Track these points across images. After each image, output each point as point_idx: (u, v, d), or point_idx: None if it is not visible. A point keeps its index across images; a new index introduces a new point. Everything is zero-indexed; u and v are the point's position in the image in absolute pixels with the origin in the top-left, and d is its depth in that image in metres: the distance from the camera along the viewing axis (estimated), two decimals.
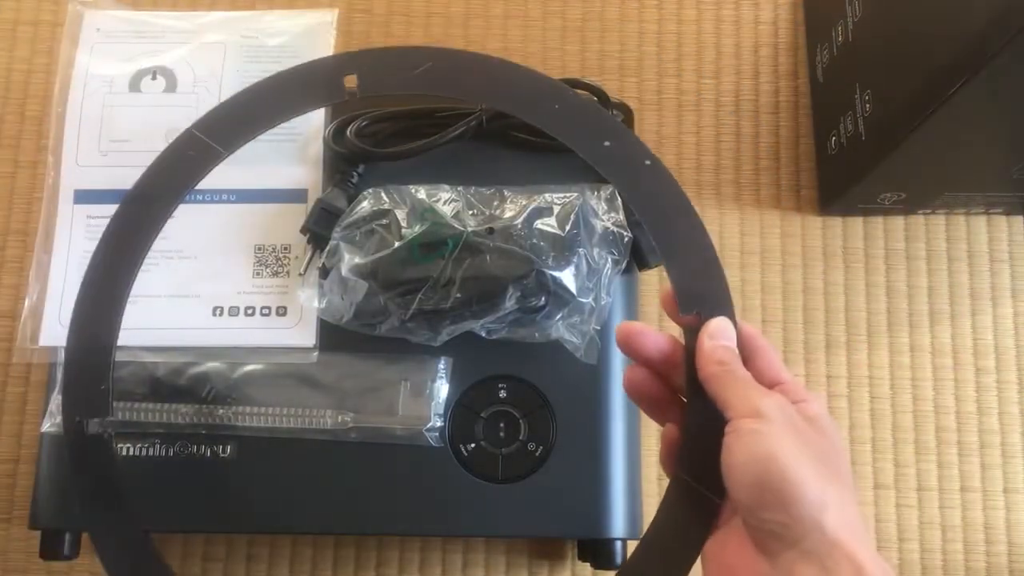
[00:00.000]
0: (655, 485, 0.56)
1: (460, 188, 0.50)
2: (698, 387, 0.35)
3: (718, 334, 0.35)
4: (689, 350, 0.36)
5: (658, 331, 0.37)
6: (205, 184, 0.51)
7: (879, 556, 0.30)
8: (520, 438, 0.48)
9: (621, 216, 0.49)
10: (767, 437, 0.31)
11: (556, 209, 0.49)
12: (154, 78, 0.53)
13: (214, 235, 0.51)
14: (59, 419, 0.47)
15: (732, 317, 0.37)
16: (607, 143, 0.40)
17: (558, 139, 0.41)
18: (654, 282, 0.59)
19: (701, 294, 0.37)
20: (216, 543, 0.55)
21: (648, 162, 0.40)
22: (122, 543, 0.39)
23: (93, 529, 0.40)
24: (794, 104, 0.64)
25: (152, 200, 0.42)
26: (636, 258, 0.50)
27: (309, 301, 0.49)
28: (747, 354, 0.36)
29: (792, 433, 0.31)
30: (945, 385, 0.59)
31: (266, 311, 0.50)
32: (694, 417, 0.36)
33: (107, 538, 0.39)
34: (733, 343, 0.36)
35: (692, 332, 0.36)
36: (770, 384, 0.35)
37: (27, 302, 0.50)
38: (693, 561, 0.35)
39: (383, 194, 0.49)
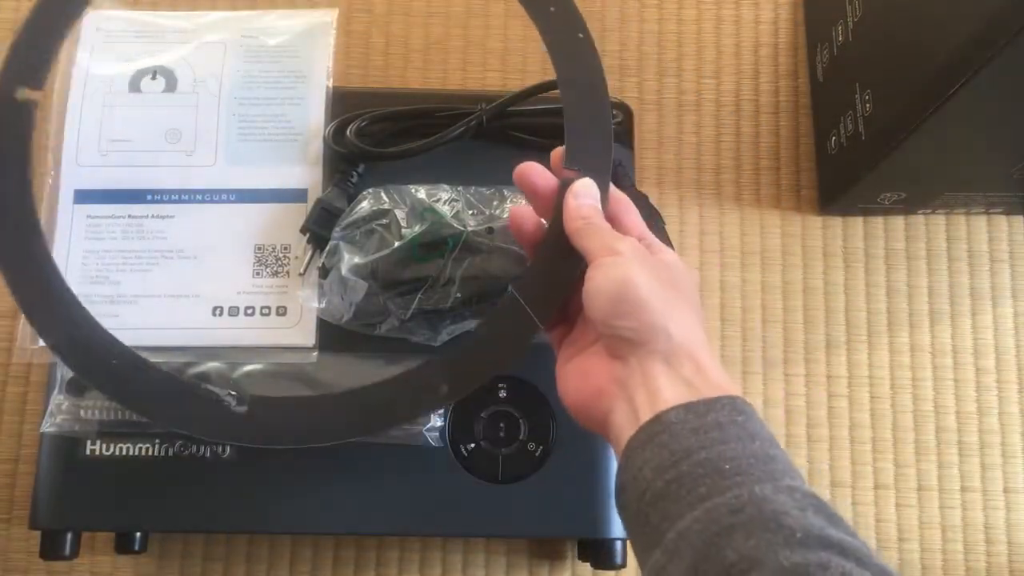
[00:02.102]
0: None
1: (460, 188, 0.50)
2: (557, 232, 0.40)
3: (582, 193, 0.40)
4: (559, 201, 0.41)
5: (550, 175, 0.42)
6: (205, 184, 0.52)
7: (721, 365, 0.36)
8: (520, 438, 0.48)
9: None
10: (622, 265, 0.36)
11: None
12: (154, 78, 0.53)
13: (214, 235, 0.51)
14: (59, 419, 0.47)
15: (606, 182, 0.41)
16: (552, 8, 0.45)
17: None
18: None
19: (586, 156, 0.42)
20: (216, 543, 0.55)
21: (581, 35, 0.44)
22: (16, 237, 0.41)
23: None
24: (794, 104, 0.64)
25: None
26: None
27: (309, 301, 0.49)
28: (614, 215, 0.41)
29: (642, 263, 0.37)
30: (945, 385, 0.59)
31: (266, 311, 0.50)
32: (545, 253, 0.41)
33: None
34: (597, 202, 0.40)
35: (565, 185, 0.41)
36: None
37: None
38: (491, 372, 0.42)
39: (383, 194, 0.49)
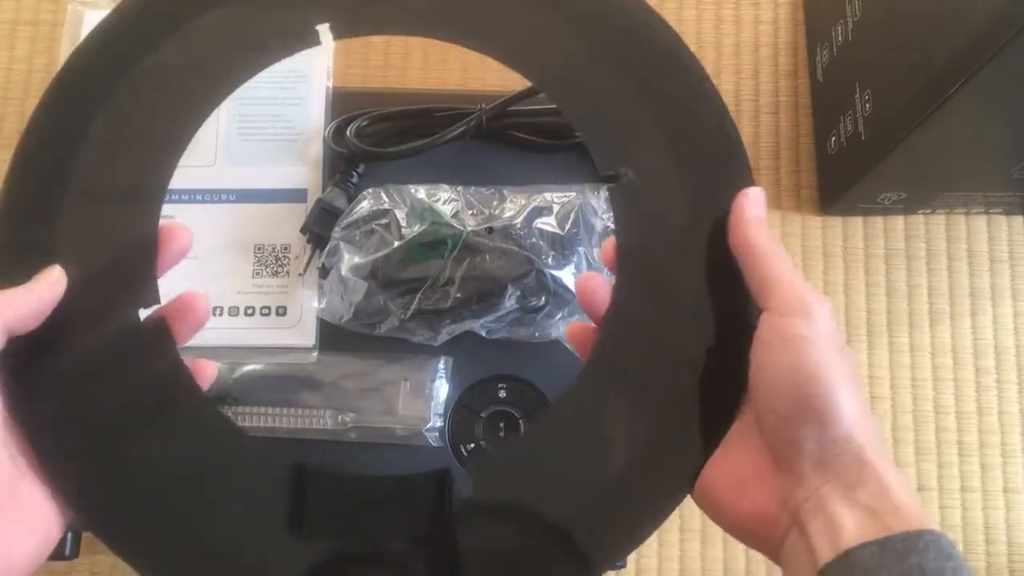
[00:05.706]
0: None
1: (460, 188, 0.50)
2: None
3: (759, 202, 0.31)
4: None
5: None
6: (205, 184, 0.52)
7: (902, 476, 0.29)
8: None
9: None
10: (817, 348, 0.28)
11: (556, 208, 0.49)
12: None
13: (214, 235, 0.51)
14: None
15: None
16: None
17: None
18: None
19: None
20: None
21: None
22: None
23: None
24: (794, 104, 0.63)
25: None
26: None
27: (309, 301, 0.49)
28: None
29: (836, 349, 0.29)
30: (945, 385, 0.59)
31: (266, 311, 0.50)
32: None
33: None
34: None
35: None
36: None
37: None
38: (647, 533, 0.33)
39: (383, 194, 0.49)
